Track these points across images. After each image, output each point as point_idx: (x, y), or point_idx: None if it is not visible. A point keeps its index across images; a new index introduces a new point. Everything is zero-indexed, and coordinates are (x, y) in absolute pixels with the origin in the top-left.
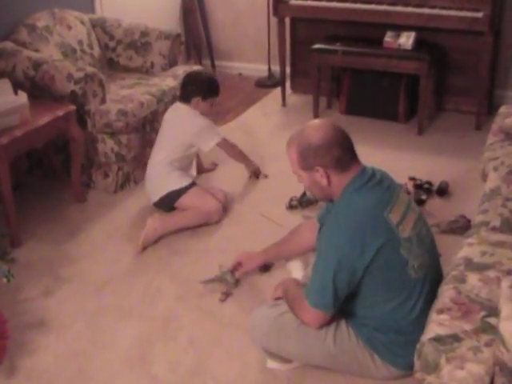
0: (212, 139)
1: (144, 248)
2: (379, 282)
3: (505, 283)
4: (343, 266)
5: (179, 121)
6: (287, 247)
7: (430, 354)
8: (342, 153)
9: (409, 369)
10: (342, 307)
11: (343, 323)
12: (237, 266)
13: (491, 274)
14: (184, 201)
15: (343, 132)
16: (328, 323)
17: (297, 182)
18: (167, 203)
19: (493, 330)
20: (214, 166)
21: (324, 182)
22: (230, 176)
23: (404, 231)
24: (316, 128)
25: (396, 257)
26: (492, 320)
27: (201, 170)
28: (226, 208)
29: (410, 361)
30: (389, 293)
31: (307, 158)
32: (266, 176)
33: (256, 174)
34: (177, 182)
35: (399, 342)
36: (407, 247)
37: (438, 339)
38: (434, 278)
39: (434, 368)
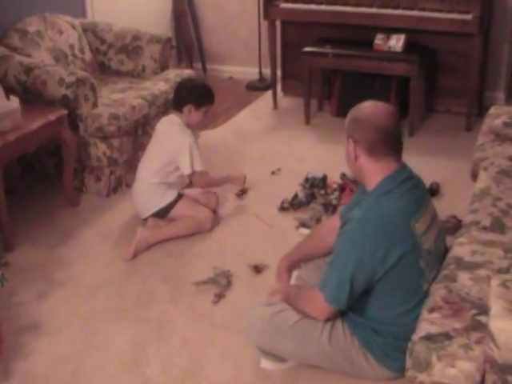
0: (195, 163)
1: (134, 256)
2: (393, 286)
3: (494, 281)
4: (363, 268)
5: (167, 135)
6: (311, 252)
7: (422, 352)
8: (376, 141)
9: (403, 371)
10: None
11: (339, 322)
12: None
13: (481, 272)
14: (174, 214)
15: (394, 127)
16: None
17: (288, 184)
18: (158, 217)
19: (483, 327)
20: None
21: (352, 156)
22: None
23: (426, 243)
24: (372, 105)
25: (414, 267)
26: (482, 318)
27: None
28: (217, 211)
29: (405, 364)
30: (399, 298)
31: (350, 126)
32: (245, 191)
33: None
34: (163, 199)
35: (396, 347)
36: (426, 259)
37: (429, 337)
38: None
39: (425, 366)
